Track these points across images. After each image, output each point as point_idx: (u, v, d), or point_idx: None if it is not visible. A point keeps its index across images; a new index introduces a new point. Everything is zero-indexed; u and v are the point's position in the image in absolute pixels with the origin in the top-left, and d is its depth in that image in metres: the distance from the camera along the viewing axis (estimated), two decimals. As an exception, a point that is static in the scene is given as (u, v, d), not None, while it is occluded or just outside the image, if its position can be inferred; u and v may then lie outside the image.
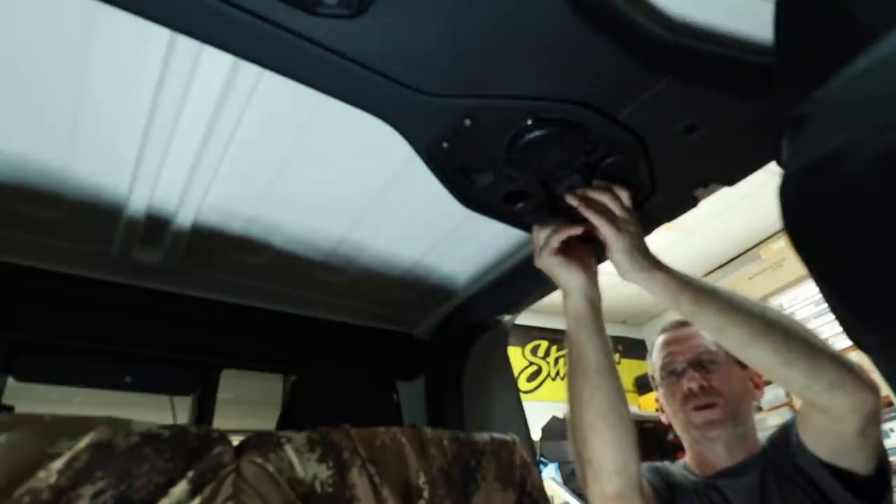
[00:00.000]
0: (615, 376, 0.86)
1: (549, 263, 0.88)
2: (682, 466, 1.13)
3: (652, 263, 0.85)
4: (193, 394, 1.22)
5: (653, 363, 1.16)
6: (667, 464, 1.15)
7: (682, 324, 1.12)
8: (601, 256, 0.91)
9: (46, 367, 1.08)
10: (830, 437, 0.84)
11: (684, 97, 0.73)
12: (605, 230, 0.83)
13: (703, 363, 1.06)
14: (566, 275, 0.88)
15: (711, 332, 0.86)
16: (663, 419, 1.13)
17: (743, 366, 1.05)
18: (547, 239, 0.87)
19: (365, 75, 0.66)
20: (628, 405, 0.86)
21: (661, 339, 1.15)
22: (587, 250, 0.92)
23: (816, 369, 0.77)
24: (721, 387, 1.03)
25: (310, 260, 1.16)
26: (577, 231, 0.86)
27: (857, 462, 0.83)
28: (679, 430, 1.10)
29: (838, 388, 0.76)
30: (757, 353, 0.80)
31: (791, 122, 0.33)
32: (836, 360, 0.78)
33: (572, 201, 0.86)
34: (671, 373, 1.08)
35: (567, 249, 0.88)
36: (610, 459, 0.82)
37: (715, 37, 0.69)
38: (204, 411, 1.16)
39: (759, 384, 1.09)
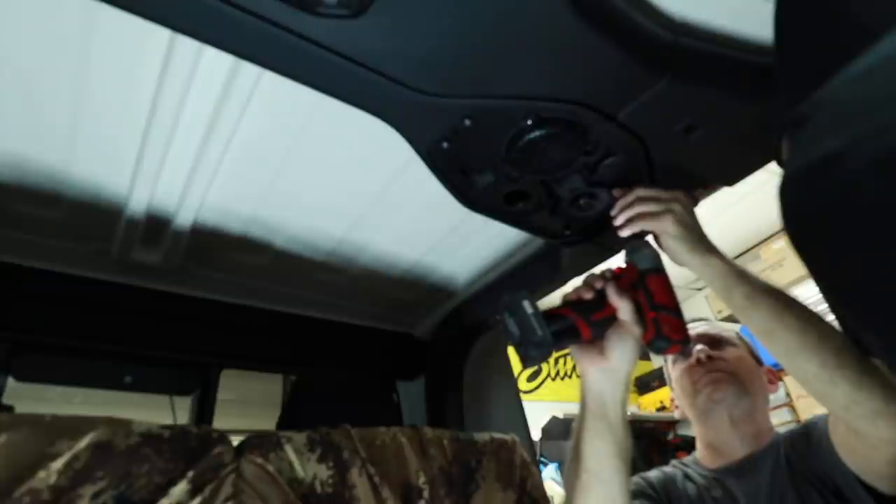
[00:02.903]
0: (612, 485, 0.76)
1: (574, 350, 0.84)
2: (693, 461, 1.12)
3: (707, 248, 0.81)
4: (193, 394, 1.22)
5: (666, 360, 1.21)
6: (668, 470, 1.12)
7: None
8: (637, 352, 0.83)
9: (46, 367, 1.08)
10: (860, 457, 0.81)
11: (684, 97, 0.73)
12: (651, 227, 0.84)
13: (715, 340, 1.11)
14: (579, 362, 0.83)
15: (759, 333, 0.78)
16: (676, 414, 1.15)
17: (759, 362, 1.09)
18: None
19: (365, 75, 0.66)
20: None
21: None
22: (622, 342, 0.81)
23: (862, 393, 0.69)
24: (730, 359, 1.07)
25: (310, 260, 1.16)
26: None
27: (881, 483, 0.80)
28: (688, 409, 1.10)
29: (881, 417, 0.69)
30: (804, 365, 0.72)
31: (791, 122, 0.32)
32: (886, 387, 0.69)
33: (620, 220, 0.85)
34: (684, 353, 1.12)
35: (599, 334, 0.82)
36: None
37: (715, 37, 0.69)
38: (204, 411, 1.16)
39: (773, 379, 1.11)
